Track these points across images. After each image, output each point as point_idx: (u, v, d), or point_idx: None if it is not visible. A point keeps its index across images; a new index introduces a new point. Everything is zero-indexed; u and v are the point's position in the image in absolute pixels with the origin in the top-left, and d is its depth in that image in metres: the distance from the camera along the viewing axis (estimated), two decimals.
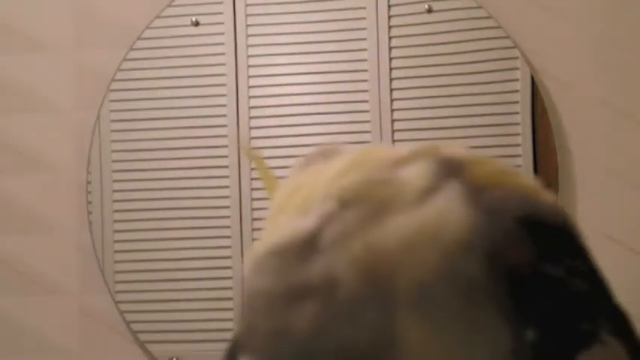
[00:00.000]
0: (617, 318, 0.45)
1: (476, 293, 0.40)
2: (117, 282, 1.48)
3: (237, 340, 0.45)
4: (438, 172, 0.43)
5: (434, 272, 0.40)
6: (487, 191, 0.43)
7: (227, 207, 1.45)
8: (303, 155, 0.50)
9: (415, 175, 0.43)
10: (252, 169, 1.44)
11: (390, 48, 1.43)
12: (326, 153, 0.49)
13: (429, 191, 0.42)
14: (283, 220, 0.44)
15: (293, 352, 0.41)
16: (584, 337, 0.42)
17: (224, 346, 0.48)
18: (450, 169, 0.44)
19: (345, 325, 0.40)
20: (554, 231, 0.44)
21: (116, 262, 1.48)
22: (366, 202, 0.42)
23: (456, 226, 0.41)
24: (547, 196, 0.47)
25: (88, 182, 1.50)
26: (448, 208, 0.42)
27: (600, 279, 0.45)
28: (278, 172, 0.57)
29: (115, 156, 1.49)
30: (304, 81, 1.46)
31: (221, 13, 1.48)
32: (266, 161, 0.57)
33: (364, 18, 1.44)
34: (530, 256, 0.42)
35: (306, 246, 0.42)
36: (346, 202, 0.42)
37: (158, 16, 1.50)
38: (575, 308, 0.42)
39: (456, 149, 0.47)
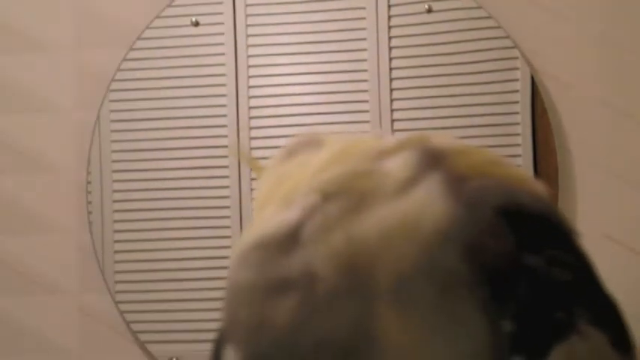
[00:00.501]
0: (601, 307, 0.44)
1: (454, 285, 0.40)
2: (117, 282, 1.48)
3: (222, 331, 0.46)
4: (419, 163, 0.43)
5: (412, 264, 0.40)
6: (468, 182, 0.43)
7: (227, 207, 1.45)
8: (285, 144, 0.50)
9: (397, 166, 0.43)
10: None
11: (390, 48, 1.43)
12: (309, 142, 0.49)
13: (409, 183, 0.42)
14: (269, 212, 0.44)
15: (274, 345, 0.41)
16: (560, 327, 0.41)
17: None
18: (432, 160, 0.44)
19: (324, 319, 0.40)
20: (535, 220, 0.44)
21: (116, 262, 1.48)
22: (348, 194, 0.42)
23: (434, 218, 0.41)
24: (532, 186, 0.46)
25: (88, 182, 1.50)
26: (427, 200, 0.42)
27: (584, 268, 0.45)
28: None
29: (115, 156, 1.49)
30: (304, 81, 1.46)
31: (221, 13, 1.48)
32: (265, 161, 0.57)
33: (364, 18, 1.44)
34: (509, 247, 0.42)
35: (289, 239, 0.42)
36: (328, 195, 0.42)
37: (158, 16, 1.50)
38: (553, 299, 0.42)
39: (444, 139, 0.47)
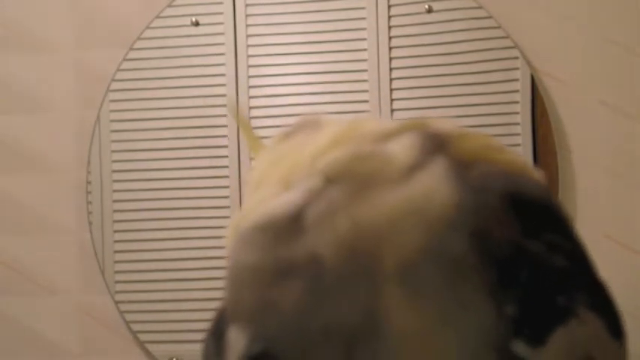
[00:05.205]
0: (597, 292, 0.45)
1: (460, 270, 0.41)
2: (117, 282, 1.48)
3: (225, 311, 0.46)
4: (423, 147, 0.43)
5: (419, 249, 0.40)
6: (472, 167, 0.43)
7: (227, 207, 1.45)
8: (284, 127, 0.50)
9: (401, 150, 0.43)
10: (252, 158, 1.44)
11: (390, 48, 1.43)
12: (308, 124, 0.49)
13: (414, 167, 0.42)
14: (266, 192, 0.44)
15: (281, 328, 0.41)
16: (561, 312, 0.42)
17: None
18: (436, 144, 0.44)
19: (331, 303, 0.41)
20: (537, 207, 0.44)
21: (116, 262, 1.48)
22: (351, 178, 0.42)
23: (441, 203, 0.41)
24: (532, 173, 0.47)
25: (88, 182, 1.50)
26: (434, 185, 0.42)
27: (581, 254, 0.46)
28: None
29: (115, 156, 1.49)
30: (304, 81, 1.46)
31: (221, 13, 1.48)
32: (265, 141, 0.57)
33: (364, 18, 1.44)
34: (513, 233, 0.42)
35: (292, 222, 0.42)
36: (331, 178, 0.42)
37: (158, 16, 1.50)
38: (553, 284, 0.42)
39: (443, 123, 0.47)
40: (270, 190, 0.44)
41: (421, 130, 0.45)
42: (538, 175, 0.47)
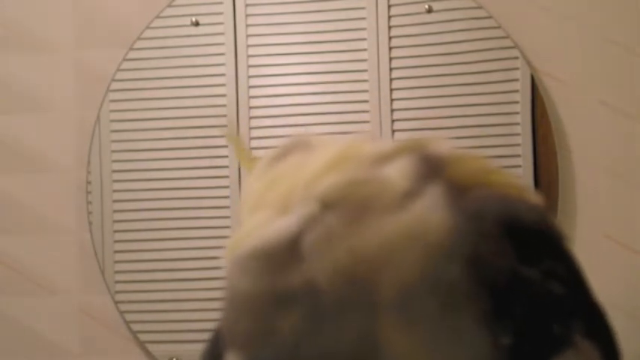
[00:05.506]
0: (594, 319, 0.45)
1: (456, 298, 0.40)
2: (117, 282, 1.48)
3: (221, 336, 0.46)
4: (419, 172, 0.43)
5: (416, 277, 0.40)
6: (468, 192, 0.43)
7: (227, 207, 1.45)
8: (275, 147, 0.49)
9: (397, 174, 0.43)
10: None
11: (390, 48, 1.43)
12: (300, 145, 0.48)
13: (410, 194, 0.42)
14: (263, 217, 0.44)
15: (278, 354, 0.41)
16: (557, 341, 0.42)
17: None
18: (432, 168, 0.44)
19: (328, 331, 0.40)
20: (533, 233, 0.44)
21: (116, 262, 1.48)
22: (348, 204, 0.42)
23: (437, 230, 0.41)
24: (529, 196, 0.46)
25: (88, 182, 1.50)
26: (429, 212, 0.41)
27: (578, 279, 0.45)
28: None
29: (115, 156, 1.49)
30: (304, 81, 1.45)
31: (221, 13, 1.48)
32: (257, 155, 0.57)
33: (364, 18, 1.44)
34: (509, 261, 0.42)
35: (289, 249, 0.42)
36: (327, 204, 0.42)
37: (158, 16, 1.50)
38: (550, 312, 0.42)
39: (439, 145, 0.46)
40: (265, 214, 0.44)
41: (417, 153, 0.45)
42: (535, 198, 0.47)
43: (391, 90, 1.42)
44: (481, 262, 0.41)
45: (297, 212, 0.43)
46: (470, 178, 0.44)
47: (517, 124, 1.40)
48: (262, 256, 0.42)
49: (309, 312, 0.41)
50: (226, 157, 1.46)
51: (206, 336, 0.52)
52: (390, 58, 1.43)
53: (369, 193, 0.42)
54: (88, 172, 1.50)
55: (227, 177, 1.46)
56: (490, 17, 1.41)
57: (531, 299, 0.42)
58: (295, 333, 0.41)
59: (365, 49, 1.44)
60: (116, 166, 1.49)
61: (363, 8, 1.44)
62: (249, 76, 1.46)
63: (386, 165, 0.44)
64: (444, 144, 0.47)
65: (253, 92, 1.46)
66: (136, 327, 1.48)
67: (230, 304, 0.44)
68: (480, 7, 1.41)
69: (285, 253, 0.42)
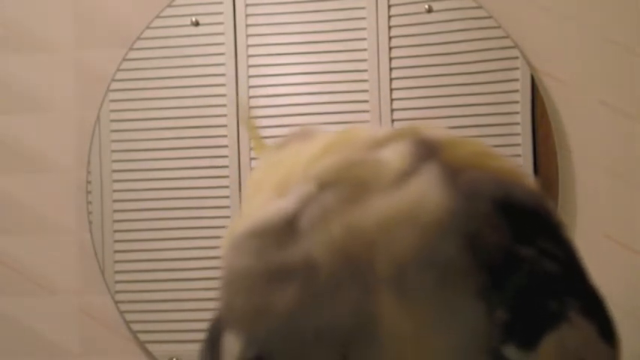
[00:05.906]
0: (589, 297, 0.45)
1: (452, 274, 0.41)
2: (117, 282, 1.48)
3: (220, 317, 0.46)
4: (415, 154, 0.44)
5: (412, 254, 0.41)
6: (464, 173, 0.44)
7: (227, 207, 1.45)
8: (281, 137, 0.50)
9: (393, 156, 0.44)
10: (252, 158, 1.44)
11: (390, 48, 1.43)
12: (304, 134, 0.49)
13: (406, 173, 0.43)
14: (261, 199, 0.45)
15: (275, 332, 0.42)
16: (552, 316, 0.42)
17: None
18: (428, 151, 0.44)
19: (324, 306, 0.41)
20: (527, 213, 0.45)
21: (116, 262, 1.48)
22: (345, 183, 0.43)
23: (433, 208, 0.41)
24: (524, 179, 0.47)
25: (88, 182, 1.50)
26: (425, 191, 0.42)
27: (573, 259, 0.46)
28: None
29: (115, 156, 1.49)
30: (304, 81, 1.46)
31: (221, 13, 1.48)
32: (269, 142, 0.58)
33: (364, 18, 1.44)
34: (504, 238, 0.42)
35: (286, 228, 0.42)
36: (324, 184, 0.43)
37: (158, 16, 1.50)
38: (545, 289, 0.43)
39: (435, 130, 0.47)
40: (265, 196, 0.45)
41: (413, 137, 0.45)
42: (530, 181, 0.47)
43: (391, 90, 1.42)
44: (477, 240, 0.41)
45: (295, 193, 0.43)
46: (465, 161, 0.45)
47: (517, 124, 1.40)
48: (259, 235, 0.43)
49: (305, 288, 0.41)
50: (226, 157, 1.46)
51: None
52: (390, 58, 1.43)
53: (366, 173, 0.43)
54: (88, 172, 1.50)
55: (227, 177, 1.46)
56: (490, 17, 1.41)
57: (527, 275, 0.42)
58: (291, 309, 0.41)
59: (365, 49, 1.44)
60: (116, 166, 1.49)
61: (362, 8, 1.44)
62: (249, 76, 1.46)
63: (382, 148, 0.45)
64: (439, 129, 0.48)
65: (253, 92, 1.46)
66: (136, 327, 1.48)
67: (227, 285, 0.44)
68: (479, 7, 1.41)
69: (282, 232, 0.42)
